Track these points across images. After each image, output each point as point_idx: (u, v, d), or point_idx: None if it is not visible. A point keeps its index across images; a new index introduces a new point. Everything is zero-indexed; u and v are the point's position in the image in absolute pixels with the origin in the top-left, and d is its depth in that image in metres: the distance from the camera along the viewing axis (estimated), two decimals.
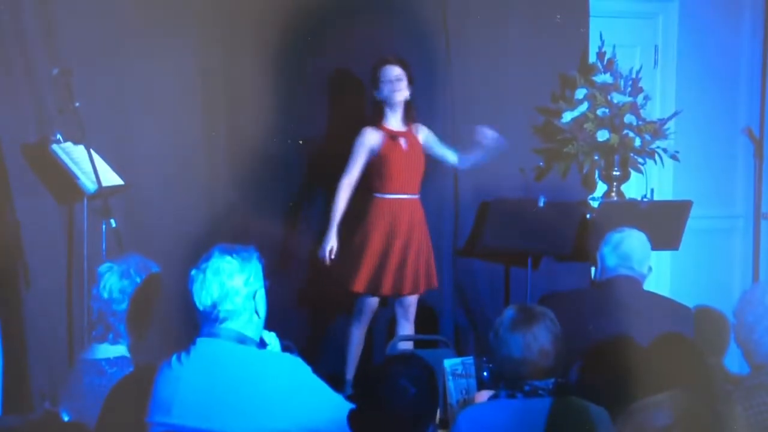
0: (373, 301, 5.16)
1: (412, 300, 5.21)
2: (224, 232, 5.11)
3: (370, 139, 5.09)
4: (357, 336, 5.19)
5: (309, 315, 5.49)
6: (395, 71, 5.11)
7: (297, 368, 2.85)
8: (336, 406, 2.84)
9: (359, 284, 5.06)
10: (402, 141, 5.13)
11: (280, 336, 3.16)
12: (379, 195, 5.12)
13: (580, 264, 5.62)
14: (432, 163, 5.53)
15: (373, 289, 5.08)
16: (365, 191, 5.16)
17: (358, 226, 5.12)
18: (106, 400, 3.02)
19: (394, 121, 5.16)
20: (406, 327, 5.20)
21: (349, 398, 2.89)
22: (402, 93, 5.11)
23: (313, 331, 5.51)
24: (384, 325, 5.38)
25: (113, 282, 3.23)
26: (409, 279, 5.10)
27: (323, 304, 5.49)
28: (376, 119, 5.14)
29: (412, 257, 5.11)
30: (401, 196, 5.13)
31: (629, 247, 4.06)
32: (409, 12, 5.60)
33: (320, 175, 5.48)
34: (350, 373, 5.19)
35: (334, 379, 5.19)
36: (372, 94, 5.16)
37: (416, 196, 5.19)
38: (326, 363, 5.34)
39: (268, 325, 3.01)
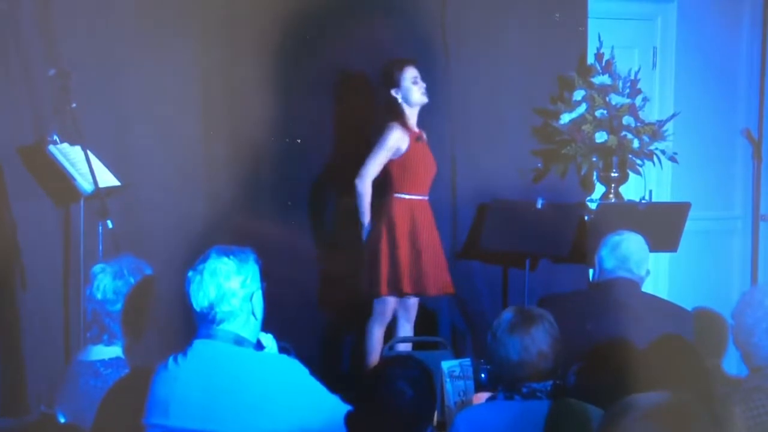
0: (394, 301, 5.14)
1: (414, 302, 5.21)
2: (223, 232, 5.10)
3: (399, 137, 5.07)
4: (378, 335, 5.16)
5: (309, 316, 5.48)
6: (414, 71, 5.14)
7: (293, 370, 2.84)
8: (332, 407, 2.83)
9: (407, 286, 5.04)
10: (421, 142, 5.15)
11: (278, 337, 3.15)
12: (399, 195, 5.10)
13: (578, 265, 5.62)
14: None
15: (411, 288, 5.07)
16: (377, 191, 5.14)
17: (381, 230, 5.09)
18: (101, 402, 3.01)
19: (413, 121, 5.16)
20: (407, 328, 5.20)
21: (344, 400, 2.88)
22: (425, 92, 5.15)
23: (314, 331, 5.50)
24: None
25: (107, 282, 3.22)
26: (431, 278, 5.11)
27: (324, 304, 5.48)
28: (398, 118, 5.11)
29: (432, 256, 5.12)
30: (419, 197, 5.13)
31: (627, 250, 4.06)
32: (407, 13, 5.60)
33: (319, 174, 5.48)
34: None
35: (338, 379, 5.21)
36: (386, 93, 5.12)
37: (427, 198, 5.20)
38: (327, 364, 5.33)
39: (268, 326, 3.00)
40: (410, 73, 5.12)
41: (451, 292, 5.27)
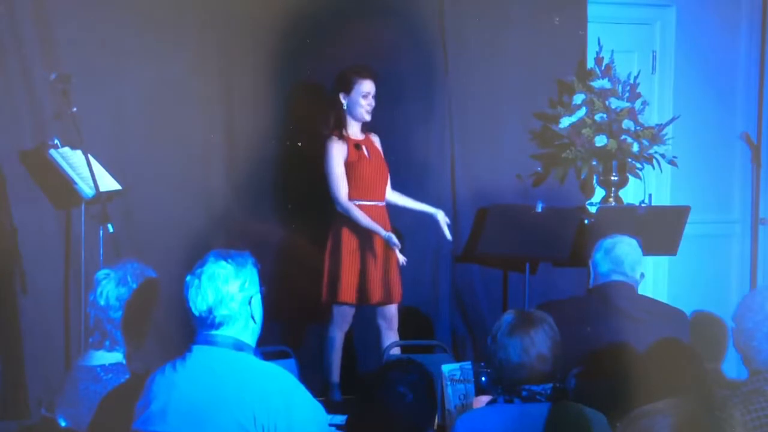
0: (350, 307, 5.13)
1: (393, 310, 5.17)
2: (223, 236, 5.11)
3: (339, 147, 5.04)
4: (339, 340, 5.16)
5: (309, 319, 5.48)
6: (370, 86, 5.06)
7: (290, 377, 2.83)
8: (323, 416, 2.83)
9: (344, 294, 5.03)
10: (364, 149, 5.12)
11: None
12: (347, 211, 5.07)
13: (577, 269, 5.62)
14: (429, 168, 5.55)
15: (360, 298, 5.06)
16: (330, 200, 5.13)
17: (328, 234, 5.10)
18: (99, 406, 3.00)
19: (355, 129, 5.12)
20: (390, 336, 5.16)
21: (342, 403, 2.88)
22: (371, 110, 5.10)
23: (312, 335, 5.49)
24: (370, 333, 5.33)
25: (110, 289, 3.21)
26: (376, 286, 5.08)
27: (322, 307, 5.48)
28: (337, 126, 5.08)
29: (380, 264, 5.09)
30: (369, 203, 5.11)
31: (621, 253, 4.07)
32: (407, 17, 5.60)
33: (318, 177, 5.48)
34: (336, 377, 5.17)
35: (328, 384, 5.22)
36: (335, 97, 5.08)
37: (383, 204, 5.18)
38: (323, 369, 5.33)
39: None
40: (365, 87, 5.05)
41: (397, 302, 5.16)
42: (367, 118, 5.09)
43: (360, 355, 5.50)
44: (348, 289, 5.04)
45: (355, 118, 5.09)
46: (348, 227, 5.06)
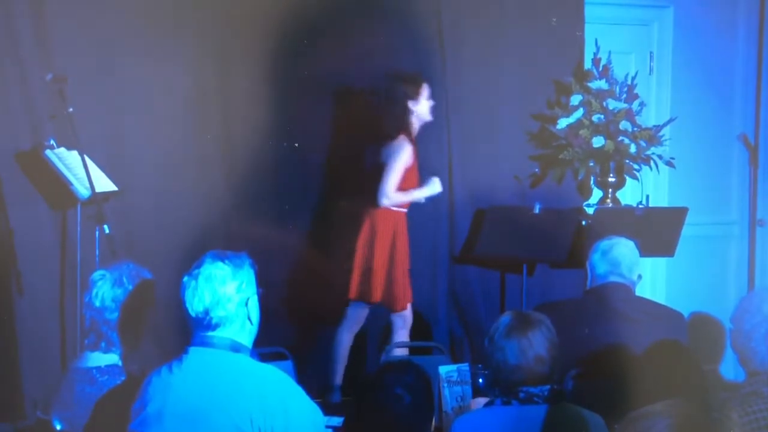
0: (366, 309, 5.16)
1: (409, 310, 5.21)
2: (220, 237, 5.11)
3: (410, 151, 5.14)
4: (347, 342, 5.20)
5: (306, 320, 5.47)
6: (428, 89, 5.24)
7: (287, 379, 2.82)
8: (320, 418, 2.83)
9: (376, 295, 5.08)
10: None
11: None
12: (389, 207, 5.12)
13: (575, 270, 5.61)
14: (427, 170, 5.54)
15: (386, 301, 5.12)
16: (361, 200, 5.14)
17: (360, 235, 5.12)
18: (94, 408, 3.00)
19: (414, 135, 5.23)
20: (403, 334, 5.20)
21: (340, 405, 2.88)
22: None
23: (310, 337, 5.49)
24: (377, 332, 5.35)
25: (105, 290, 3.20)
26: (401, 290, 5.12)
27: (320, 308, 5.48)
28: (406, 131, 5.17)
29: (404, 268, 5.15)
30: (395, 209, 5.14)
31: (619, 254, 4.08)
32: (403, 19, 5.61)
33: (316, 178, 5.48)
34: (339, 379, 5.18)
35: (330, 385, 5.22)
36: (400, 104, 5.16)
37: (405, 210, 5.22)
38: (324, 369, 5.33)
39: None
40: (426, 90, 5.22)
41: (410, 302, 5.23)
42: (430, 116, 5.23)
43: (369, 357, 5.50)
44: (377, 289, 5.08)
45: (422, 120, 5.22)
46: (381, 229, 5.09)
